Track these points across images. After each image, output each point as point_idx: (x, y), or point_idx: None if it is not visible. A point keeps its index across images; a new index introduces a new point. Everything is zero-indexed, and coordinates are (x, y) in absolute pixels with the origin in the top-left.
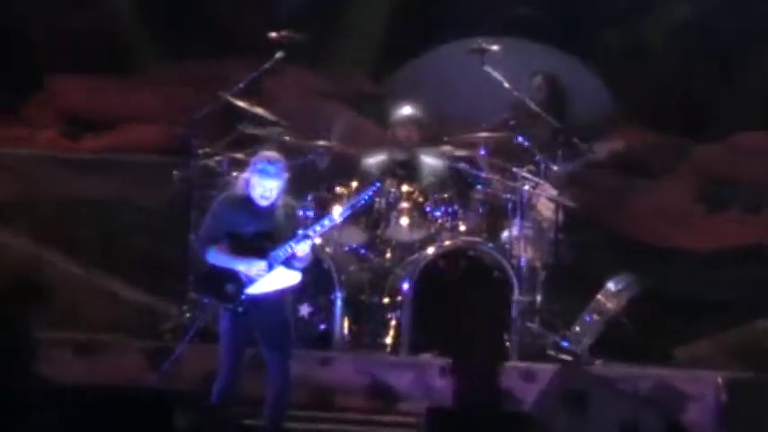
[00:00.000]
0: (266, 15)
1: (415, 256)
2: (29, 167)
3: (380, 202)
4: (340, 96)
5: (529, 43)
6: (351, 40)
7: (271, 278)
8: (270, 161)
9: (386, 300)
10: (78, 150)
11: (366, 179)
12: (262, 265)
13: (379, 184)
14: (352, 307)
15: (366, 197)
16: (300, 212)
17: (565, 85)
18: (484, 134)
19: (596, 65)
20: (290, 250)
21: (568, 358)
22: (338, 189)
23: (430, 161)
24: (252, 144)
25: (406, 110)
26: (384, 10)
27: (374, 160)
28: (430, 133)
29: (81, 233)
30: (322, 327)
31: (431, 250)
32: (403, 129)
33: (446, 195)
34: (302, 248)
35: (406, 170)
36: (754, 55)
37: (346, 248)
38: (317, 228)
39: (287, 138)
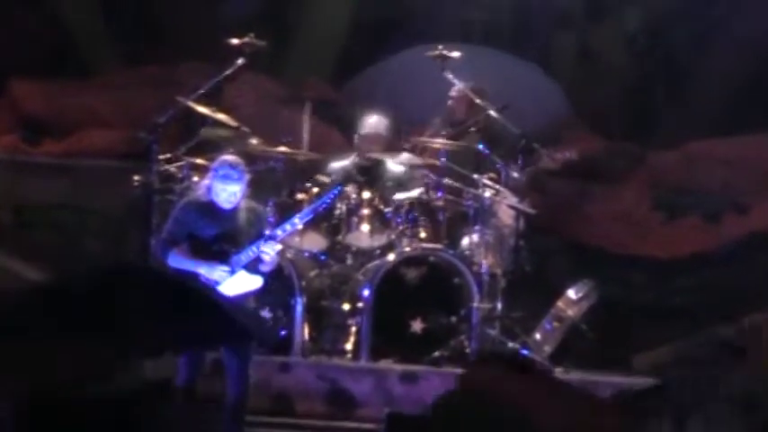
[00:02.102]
0: (222, 21)
1: (376, 262)
2: None
3: (341, 209)
4: (299, 102)
5: (486, 49)
6: (307, 46)
7: (232, 282)
8: (231, 166)
9: (346, 306)
10: (38, 155)
11: (327, 184)
12: (224, 268)
13: (340, 188)
14: (312, 313)
15: (328, 200)
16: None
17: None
18: (444, 141)
19: (550, 71)
20: (251, 254)
21: None
22: (299, 195)
23: (391, 167)
24: (212, 149)
25: (376, 125)
26: (341, 16)
27: (336, 166)
28: (389, 141)
29: (39, 238)
30: (282, 332)
31: (391, 257)
32: (369, 143)
33: (406, 202)
34: (269, 251)
35: (366, 176)
36: (704, 62)
37: (307, 254)
38: (279, 231)
39: (249, 143)
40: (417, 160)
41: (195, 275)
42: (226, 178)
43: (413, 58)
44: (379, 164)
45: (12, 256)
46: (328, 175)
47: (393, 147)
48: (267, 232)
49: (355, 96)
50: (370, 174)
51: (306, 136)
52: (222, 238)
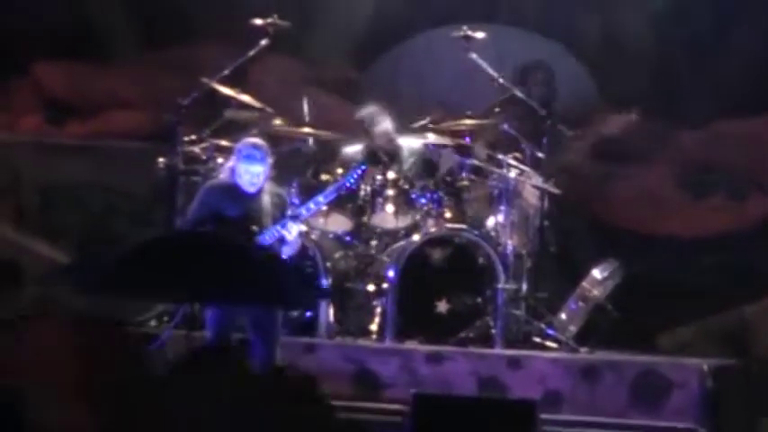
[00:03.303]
0: (246, 2)
1: (401, 243)
2: (11, 154)
3: (366, 190)
4: (323, 84)
5: (511, 30)
6: (332, 27)
7: None
8: (255, 147)
9: (371, 287)
10: (63, 136)
11: (351, 164)
12: None
13: (365, 167)
14: (337, 294)
15: (351, 180)
16: (290, 200)
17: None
18: (469, 121)
19: (575, 52)
20: (276, 234)
21: (554, 345)
22: (323, 176)
23: (410, 146)
24: (236, 131)
25: (378, 126)
26: None
27: (353, 149)
28: (408, 121)
29: (65, 219)
30: (308, 314)
31: (416, 237)
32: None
33: (431, 182)
34: (292, 231)
35: (387, 156)
36: (729, 41)
37: (331, 236)
38: (304, 211)
39: (273, 124)
40: (442, 140)
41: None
42: (249, 159)
43: (437, 39)
44: (395, 143)
45: (38, 238)
46: (344, 159)
47: (418, 128)
48: (289, 213)
49: (379, 77)
50: (388, 153)
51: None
52: (246, 220)
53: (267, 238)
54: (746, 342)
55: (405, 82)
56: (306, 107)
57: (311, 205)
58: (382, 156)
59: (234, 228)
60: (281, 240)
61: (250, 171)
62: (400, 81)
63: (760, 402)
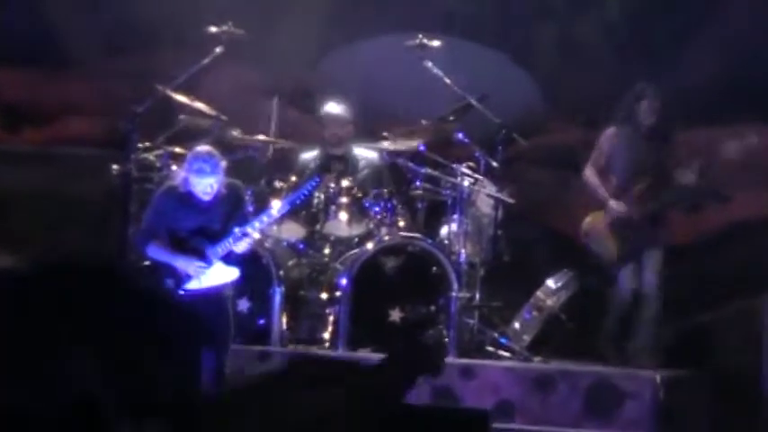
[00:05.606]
0: (201, 10)
1: (354, 251)
2: None
3: (319, 198)
4: (278, 92)
5: (460, 40)
6: (287, 35)
7: (209, 274)
8: (205, 159)
9: (324, 295)
10: (17, 143)
11: (305, 174)
12: (201, 264)
13: (318, 179)
14: (290, 302)
15: (305, 192)
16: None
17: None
18: (423, 129)
19: (527, 62)
20: (227, 246)
21: (508, 355)
22: (277, 183)
23: (365, 155)
24: (191, 138)
25: (331, 107)
26: (320, 5)
27: (309, 155)
28: (361, 128)
29: (18, 226)
30: (261, 322)
31: (369, 246)
32: (331, 127)
33: (385, 191)
34: (241, 246)
35: (341, 165)
36: (683, 52)
37: (285, 243)
38: (256, 224)
39: (227, 132)
40: (396, 148)
41: (173, 267)
42: (200, 172)
43: (391, 46)
44: (350, 151)
45: None
46: (300, 167)
47: (370, 135)
48: (238, 229)
49: (326, 79)
50: (343, 162)
51: (273, 126)
52: (201, 230)
53: (219, 250)
54: (701, 353)
55: (352, 84)
56: (273, 119)
57: (264, 218)
58: (335, 165)
59: (188, 242)
60: (231, 252)
61: (202, 183)
62: (348, 83)
63: (713, 413)
